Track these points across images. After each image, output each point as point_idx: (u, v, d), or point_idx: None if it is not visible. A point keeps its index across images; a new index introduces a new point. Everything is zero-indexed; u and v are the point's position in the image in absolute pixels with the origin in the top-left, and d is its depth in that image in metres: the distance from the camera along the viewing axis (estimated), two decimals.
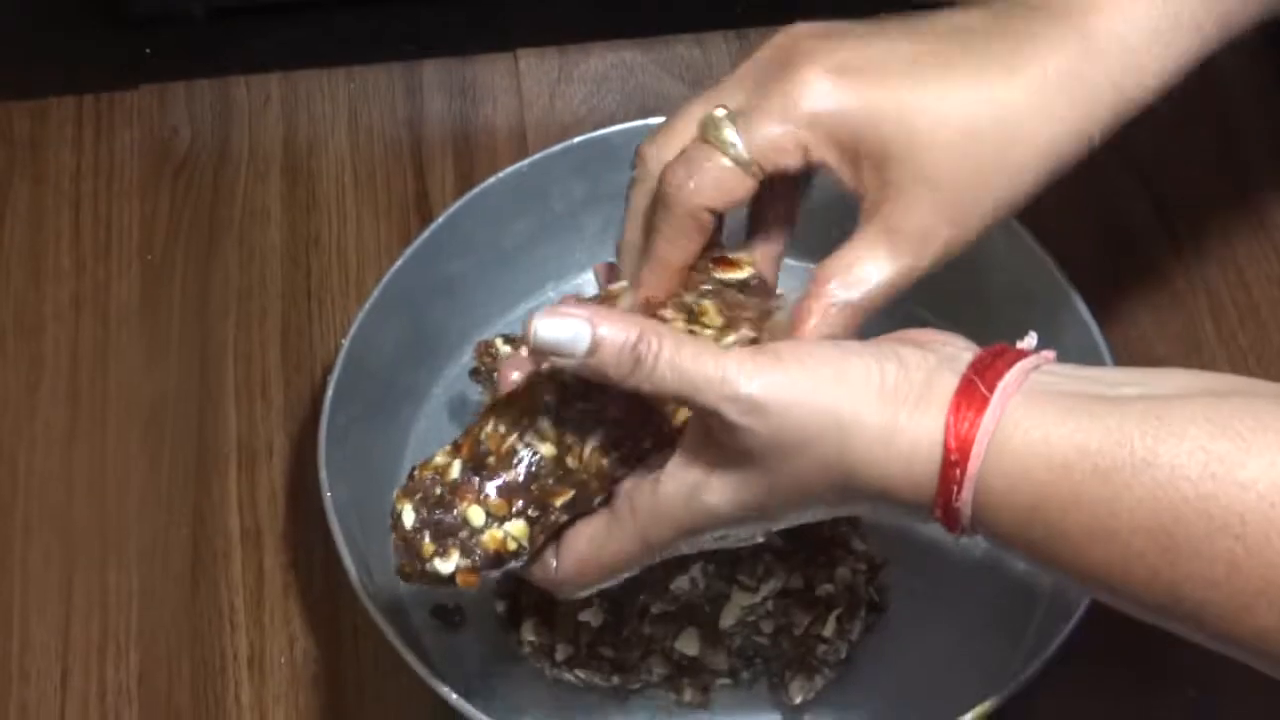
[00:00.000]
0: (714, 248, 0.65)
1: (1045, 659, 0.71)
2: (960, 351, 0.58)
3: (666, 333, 0.58)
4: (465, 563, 0.61)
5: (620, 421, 0.61)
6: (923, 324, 0.63)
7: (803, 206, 0.67)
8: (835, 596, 0.76)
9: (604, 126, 0.85)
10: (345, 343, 0.80)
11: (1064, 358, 0.58)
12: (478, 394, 0.82)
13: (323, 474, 0.76)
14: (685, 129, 0.64)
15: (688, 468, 0.59)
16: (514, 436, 0.61)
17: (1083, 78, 0.62)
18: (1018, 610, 0.77)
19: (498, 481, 0.61)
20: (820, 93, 0.62)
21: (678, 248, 0.63)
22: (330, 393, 0.78)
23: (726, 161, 0.62)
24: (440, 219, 0.83)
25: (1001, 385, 0.55)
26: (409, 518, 0.61)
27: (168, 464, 0.86)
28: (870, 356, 0.57)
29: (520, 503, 0.61)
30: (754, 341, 0.61)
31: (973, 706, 0.69)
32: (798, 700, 0.76)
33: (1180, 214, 0.91)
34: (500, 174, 0.84)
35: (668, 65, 0.97)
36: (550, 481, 0.61)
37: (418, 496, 0.61)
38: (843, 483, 0.57)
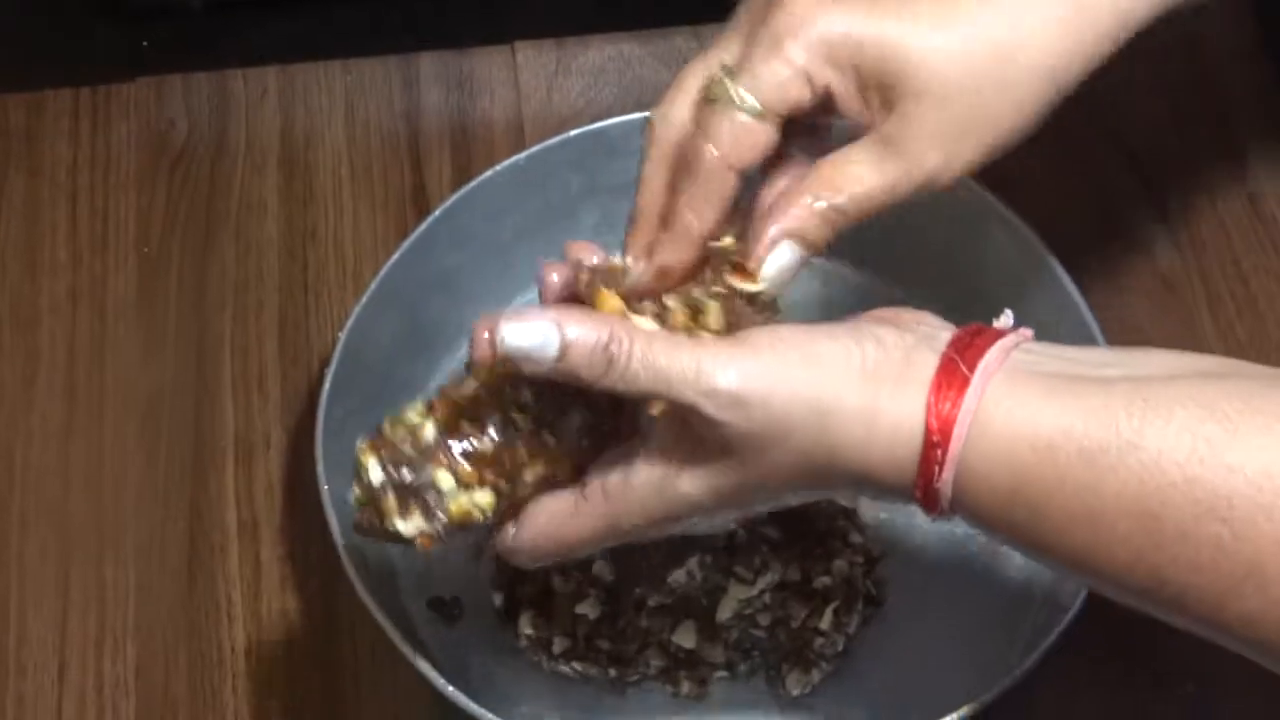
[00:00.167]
0: (735, 240, 0.63)
1: (1042, 653, 0.71)
2: (937, 330, 0.58)
3: (637, 330, 0.57)
4: (426, 527, 0.60)
5: (601, 405, 0.61)
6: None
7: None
8: (832, 589, 0.76)
9: (601, 119, 0.85)
10: (342, 336, 0.80)
11: None
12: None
13: (320, 467, 0.76)
14: (688, 92, 0.62)
15: (663, 456, 0.58)
16: (493, 406, 0.61)
17: (1081, 3, 0.61)
18: (1015, 605, 0.77)
19: (471, 449, 0.60)
20: (811, 18, 0.60)
21: (700, 214, 0.61)
22: (327, 386, 0.78)
23: (742, 116, 0.60)
24: (437, 212, 0.83)
25: (983, 364, 0.55)
26: (375, 473, 0.60)
27: (164, 457, 0.86)
28: (847, 337, 0.56)
29: (491, 473, 0.60)
30: None
31: (969, 700, 0.69)
32: (795, 693, 0.76)
33: (1178, 208, 0.91)
34: (497, 167, 0.84)
35: (665, 58, 0.97)
36: (524, 455, 0.60)
37: (385, 453, 0.60)
38: (824, 466, 0.56)
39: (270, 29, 0.99)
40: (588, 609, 0.76)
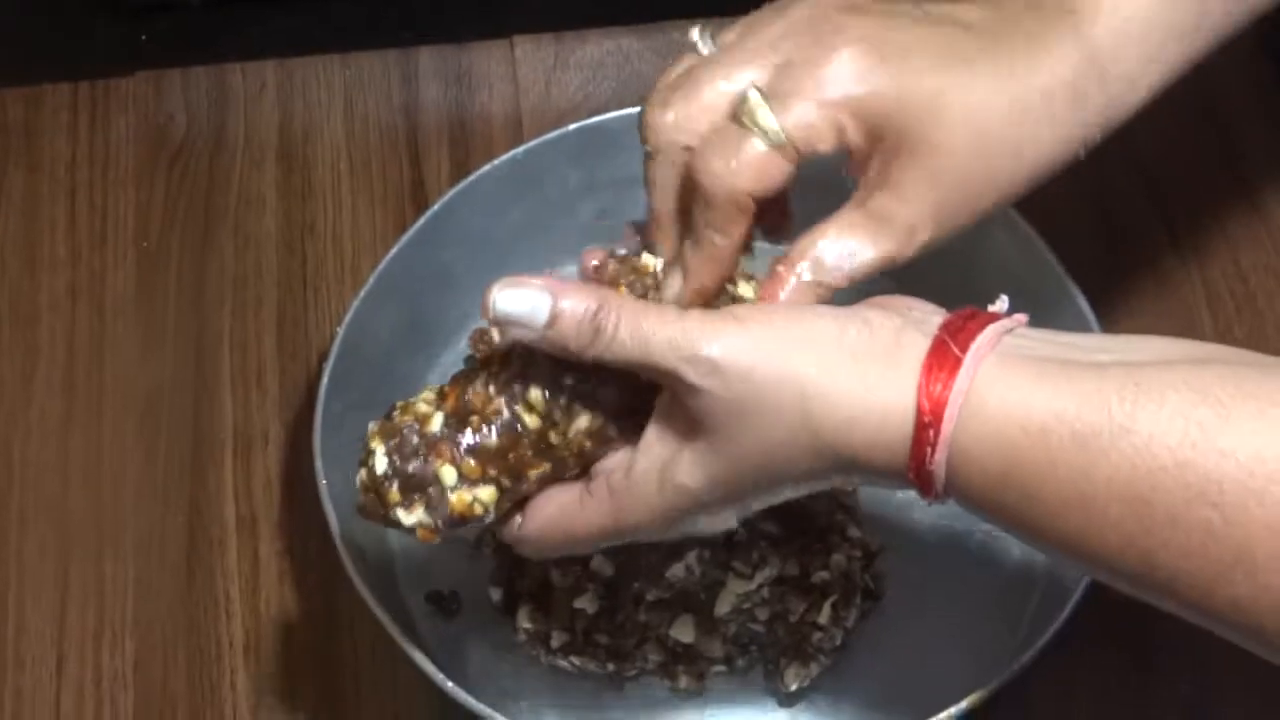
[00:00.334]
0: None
1: (1040, 646, 0.71)
2: (928, 315, 0.58)
3: (627, 302, 0.57)
4: (428, 519, 0.61)
5: (609, 408, 0.61)
6: None
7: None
8: (831, 584, 0.76)
9: (600, 113, 0.85)
10: (341, 331, 0.80)
11: None
12: None
13: (318, 462, 0.76)
14: (708, 102, 0.62)
15: (658, 442, 0.59)
16: (501, 401, 0.61)
17: (1080, 88, 0.62)
18: (1013, 598, 0.77)
19: (476, 444, 0.61)
20: (859, 73, 0.60)
21: (727, 237, 0.61)
22: (325, 381, 0.78)
23: (762, 145, 0.60)
24: (436, 206, 0.83)
25: (974, 346, 0.55)
26: (381, 463, 0.61)
27: (163, 453, 0.86)
28: (835, 319, 0.57)
29: (494, 469, 0.61)
30: None
31: (967, 694, 0.69)
32: (793, 687, 0.76)
33: (1178, 206, 0.91)
34: (496, 161, 0.84)
35: (664, 52, 0.97)
36: (529, 454, 0.61)
37: (393, 441, 0.61)
38: (812, 449, 0.56)
39: (269, 23, 0.99)
40: (586, 603, 0.76)
